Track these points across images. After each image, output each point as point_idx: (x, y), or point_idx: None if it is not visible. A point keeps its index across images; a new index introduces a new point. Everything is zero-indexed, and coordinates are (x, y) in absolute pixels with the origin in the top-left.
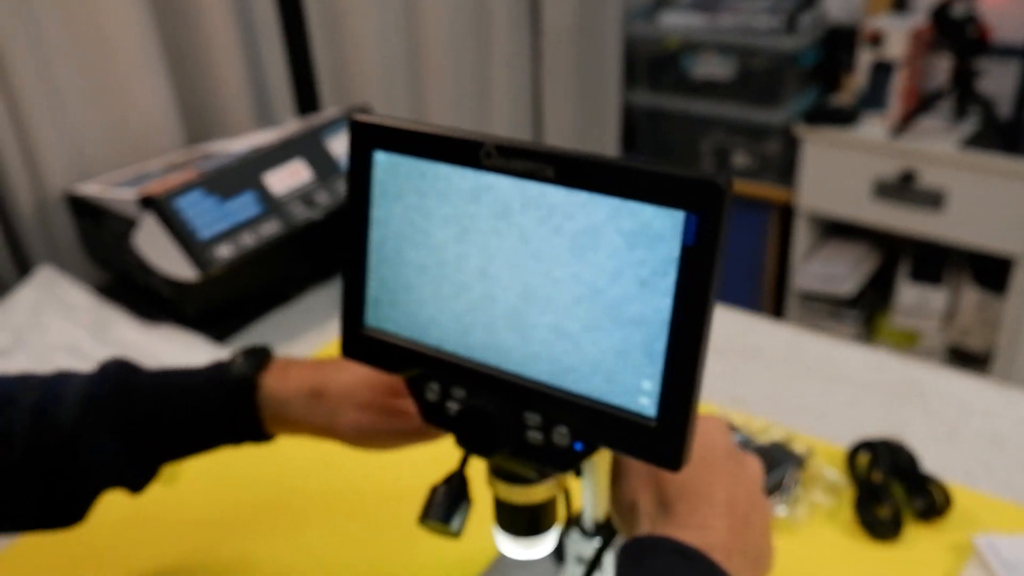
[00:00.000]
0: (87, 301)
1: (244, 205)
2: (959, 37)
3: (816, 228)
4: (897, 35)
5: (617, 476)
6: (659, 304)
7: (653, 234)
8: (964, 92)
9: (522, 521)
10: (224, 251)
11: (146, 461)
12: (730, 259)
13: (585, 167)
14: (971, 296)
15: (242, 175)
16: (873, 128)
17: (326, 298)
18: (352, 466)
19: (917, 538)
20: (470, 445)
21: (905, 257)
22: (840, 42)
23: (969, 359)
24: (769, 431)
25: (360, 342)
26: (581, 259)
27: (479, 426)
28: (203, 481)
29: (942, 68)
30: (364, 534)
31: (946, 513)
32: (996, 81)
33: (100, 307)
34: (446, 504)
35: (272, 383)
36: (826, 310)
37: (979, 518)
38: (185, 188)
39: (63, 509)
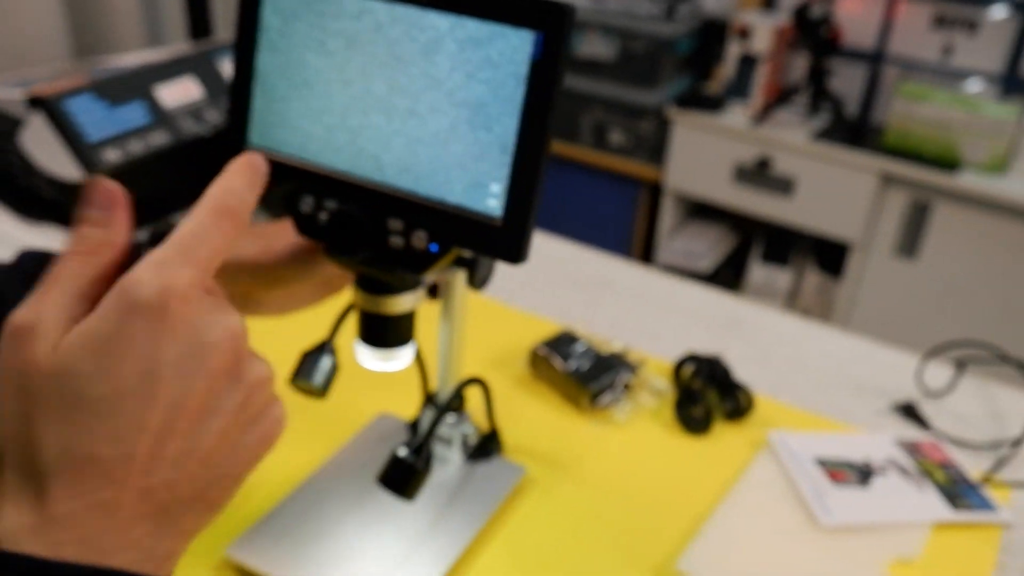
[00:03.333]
0: None
1: (134, 113)
2: (815, 37)
3: (681, 207)
4: (763, 30)
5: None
6: (485, 95)
7: (504, 49)
8: (817, 89)
9: (381, 332)
10: (112, 155)
11: None
12: (602, 229)
13: None
14: (812, 279)
15: (133, 85)
16: (736, 116)
17: None
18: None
19: (723, 433)
20: (338, 248)
21: (758, 240)
22: (713, 34)
23: None
24: (609, 345)
25: None
26: (429, 60)
27: (346, 229)
28: None
29: (800, 66)
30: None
31: (748, 415)
32: (846, 82)
33: None
34: (311, 365)
35: None
36: None
37: (774, 420)
38: (76, 91)
39: None
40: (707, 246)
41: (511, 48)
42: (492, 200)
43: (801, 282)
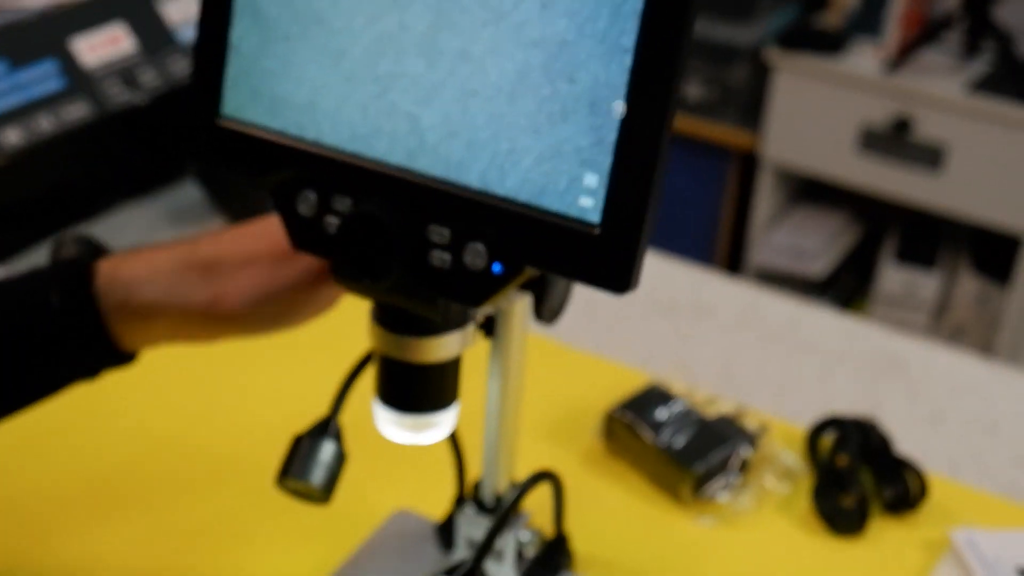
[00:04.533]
0: None
1: (42, 77)
2: None
3: (785, 187)
4: None
5: None
6: (566, 31)
7: None
8: (977, 22)
9: (412, 389)
10: (12, 136)
11: None
12: (676, 220)
13: None
14: (968, 285)
15: (41, 37)
16: (864, 60)
17: (143, 217)
18: (208, 433)
19: (885, 533)
20: (354, 270)
21: (892, 231)
22: None
23: None
24: (717, 403)
25: (214, 139)
26: None
27: (368, 241)
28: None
29: None
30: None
31: (920, 505)
32: (1017, 10)
33: None
34: (310, 458)
35: (116, 265)
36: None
37: (958, 512)
38: None
39: None
40: (822, 241)
41: None
42: (586, 197)
43: (953, 290)
